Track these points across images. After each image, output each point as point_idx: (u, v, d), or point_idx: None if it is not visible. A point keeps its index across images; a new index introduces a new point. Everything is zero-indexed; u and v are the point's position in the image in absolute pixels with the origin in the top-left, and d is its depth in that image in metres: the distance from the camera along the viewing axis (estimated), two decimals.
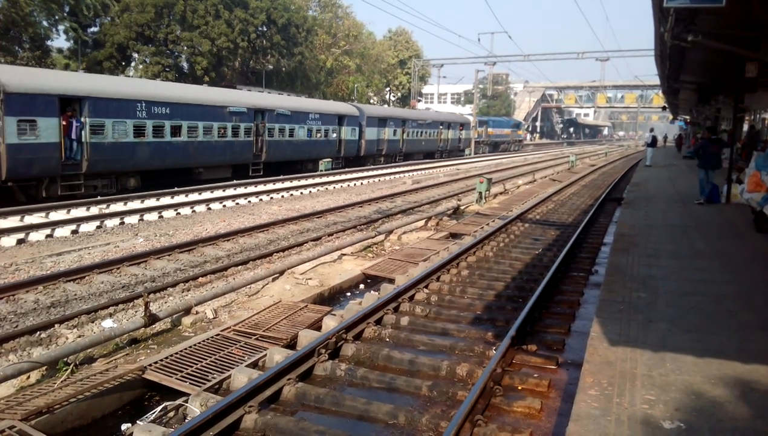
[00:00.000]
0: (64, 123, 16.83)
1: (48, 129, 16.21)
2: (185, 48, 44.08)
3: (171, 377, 5.65)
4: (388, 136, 37.37)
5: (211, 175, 23.24)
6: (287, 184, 23.45)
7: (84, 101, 17.37)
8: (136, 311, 7.75)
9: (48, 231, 12.61)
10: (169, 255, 10.71)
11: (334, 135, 31.69)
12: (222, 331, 6.85)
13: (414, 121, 41.04)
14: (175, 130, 20.63)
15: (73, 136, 17.19)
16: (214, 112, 22.60)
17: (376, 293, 8.39)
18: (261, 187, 21.88)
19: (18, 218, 13.97)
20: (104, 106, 17.95)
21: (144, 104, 19.32)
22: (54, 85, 16.80)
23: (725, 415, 4.10)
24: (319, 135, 30.24)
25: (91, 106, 17.52)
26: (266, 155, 26.02)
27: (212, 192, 20.03)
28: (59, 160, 16.69)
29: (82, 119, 17.35)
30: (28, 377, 5.82)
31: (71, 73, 21.56)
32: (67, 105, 17.09)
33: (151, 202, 17.25)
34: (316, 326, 7.18)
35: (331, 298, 9.12)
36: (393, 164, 36.67)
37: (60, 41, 65.37)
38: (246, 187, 21.68)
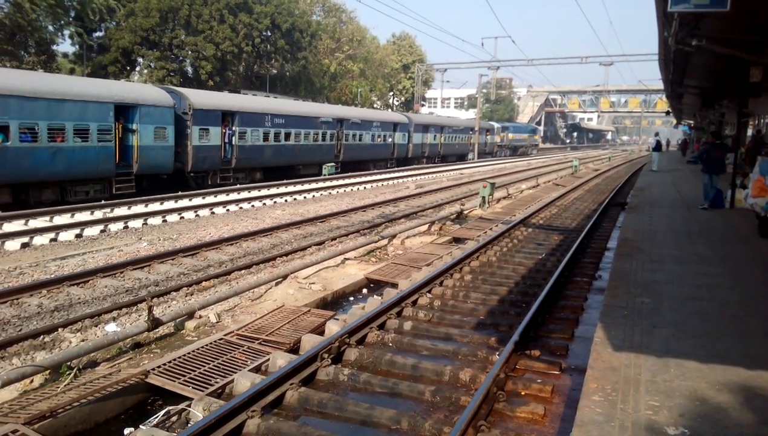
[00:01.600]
0: (223, 131, 22.83)
1: (215, 135, 22.45)
2: (190, 52, 44.25)
3: (174, 381, 5.65)
4: (430, 140, 43.44)
5: (306, 171, 29.55)
6: (290, 188, 23.48)
7: (235, 115, 23.48)
8: (139, 315, 7.77)
9: (52, 235, 12.64)
10: (172, 259, 10.73)
11: (390, 139, 37.81)
12: (225, 335, 6.85)
13: (450, 127, 47.46)
14: (287, 136, 26.83)
15: (227, 141, 23.20)
16: (311, 122, 28.83)
17: (379, 298, 8.39)
18: (264, 192, 21.93)
19: (22, 221, 14.02)
20: (247, 118, 24.06)
21: (269, 116, 25.48)
22: (218, 103, 23.20)
23: (730, 421, 4.08)
24: (379, 139, 36.38)
25: (239, 118, 23.60)
26: (343, 156, 32.26)
27: (216, 196, 20.07)
28: (220, 158, 23.00)
29: (233, 128, 23.37)
30: (32, 381, 5.83)
31: (227, 94, 27.46)
32: (224, 118, 22.99)
33: (154, 207, 17.29)
34: (319, 330, 7.18)
35: (334, 302, 9.12)
36: (402, 168, 37.10)
37: (65, 46, 65.77)
38: (249, 192, 21.73)
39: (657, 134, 37.77)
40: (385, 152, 37.50)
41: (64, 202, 17.20)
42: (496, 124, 62.61)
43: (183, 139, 21.04)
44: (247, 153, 24.23)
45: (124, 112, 18.85)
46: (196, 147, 21.47)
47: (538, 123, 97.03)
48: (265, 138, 25.18)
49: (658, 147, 32.47)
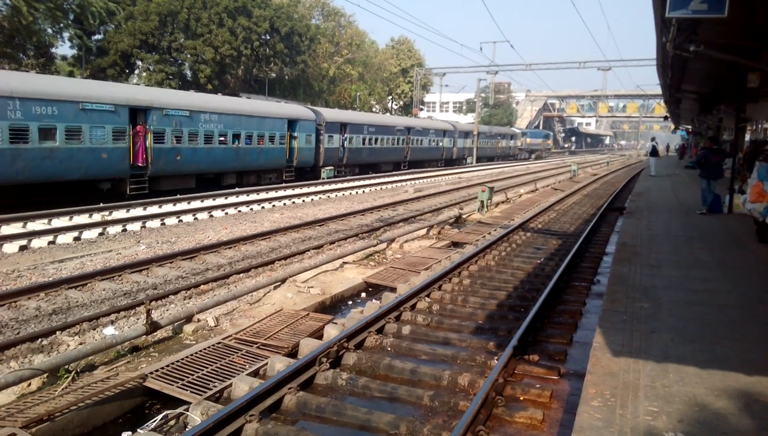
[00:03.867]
0: (340, 137, 31.64)
1: (336, 140, 31.39)
2: (189, 56, 44.28)
3: (172, 385, 5.64)
4: (469, 145, 52.48)
5: (386, 167, 38.17)
6: (289, 191, 23.50)
7: (347, 125, 32.47)
8: (137, 319, 7.75)
9: (50, 238, 12.62)
10: (170, 262, 10.71)
11: (440, 144, 46.11)
12: (223, 339, 6.84)
13: (484, 133, 56.80)
14: (375, 141, 35.84)
15: (341, 144, 31.97)
16: (390, 130, 37.59)
17: (378, 302, 8.38)
18: (263, 195, 21.92)
19: (20, 224, 14.00)
20: (354, 127, 33.16)
21: (366, 126, 34.52)
22: (338, 117, 32.43)
23: (728, 427, 4.08)
24: (433, 144, 44.71)
25: (349, 128, 32.62)
26: (409, 157, 40.86)
27: (214, 199, 20.05)
28: (338, 157, 31.94)
29: (346, 135, 32.28)
30: (29, 385, 5.81)
31: (343, 111, 37.37)
32: (341, 127, 31.72)
33: (153, 210, 17.26)
34: (318, 334, 7.17)
35: (333, 306, 9.11)
36: (397, 172, 37.26)
37: (64, 48, 65.78)
38: (248, 195, 21.72)
39: (653, 139, 37.63)
40: (437, 154, 45.86)
41: (259, 184, 25.18)
42: (517, 130, 72.08)
43: (318, 143, 29.80)
44: (353, 153, 33.24)
45: (290, 124, 27.45)
46: (326, 149, 30.31)
47: (537, 127, 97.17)
48: (363, 142, 34.18)
49: (654, 152, 32.42)
